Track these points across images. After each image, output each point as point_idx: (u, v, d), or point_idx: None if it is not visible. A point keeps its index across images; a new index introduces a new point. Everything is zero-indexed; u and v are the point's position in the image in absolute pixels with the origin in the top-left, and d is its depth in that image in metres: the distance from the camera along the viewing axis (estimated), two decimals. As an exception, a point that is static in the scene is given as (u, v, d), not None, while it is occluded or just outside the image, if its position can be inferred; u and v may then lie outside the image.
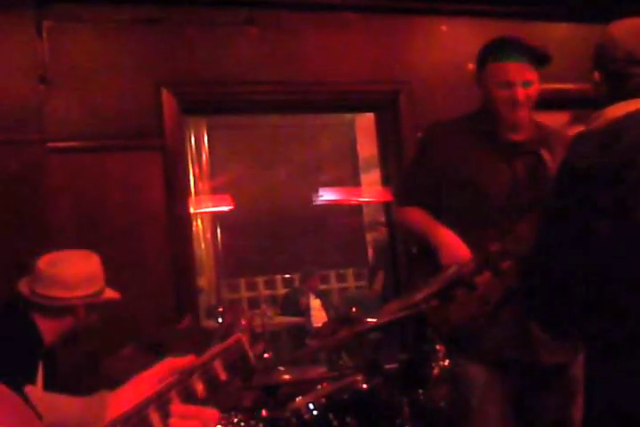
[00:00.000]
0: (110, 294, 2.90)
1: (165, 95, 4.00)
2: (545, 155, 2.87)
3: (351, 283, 10.21)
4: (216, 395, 1.03)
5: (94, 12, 3.99)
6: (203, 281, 8.04)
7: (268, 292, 9.76)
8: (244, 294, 9.66)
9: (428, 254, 2.92)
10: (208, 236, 8.97)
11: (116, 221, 3.89)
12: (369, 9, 4.43)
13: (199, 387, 1.02)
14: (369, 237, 9.19)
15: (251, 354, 1.06)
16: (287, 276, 9.79)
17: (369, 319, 2.64)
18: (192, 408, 1.01)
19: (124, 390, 1.20)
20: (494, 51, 2.91)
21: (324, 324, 3.41)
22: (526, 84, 2.87)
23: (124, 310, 3.79)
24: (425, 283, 2.73)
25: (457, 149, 2.98)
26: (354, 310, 2.46)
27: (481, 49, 2.98)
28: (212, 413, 1.03)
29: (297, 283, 9.38)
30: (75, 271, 2.74)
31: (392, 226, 4.64)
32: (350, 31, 4.42)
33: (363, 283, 10.07)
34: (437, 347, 2.72)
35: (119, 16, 4.03)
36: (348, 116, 8.05)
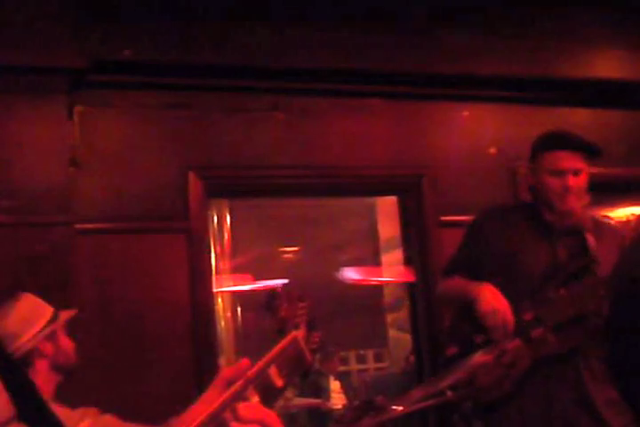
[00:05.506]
0: (65, 315, 2.87)
1: (192, 179, 4.05)
2: (589, 239, 2.96)
3: (371, 364, 10.09)
4: (271, 404, 0.90)
5: (124, 98, 4.09)
6: (222, 360, 7.97)
7: (287, 372, 9.65)
8: (264, 374, 9.53)
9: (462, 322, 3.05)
10: (228, 314, 8.93)
11: (139, 302, 3.89)
12: (393, 95, 4.50)
13: (254, 400, 0.88)
14: (389, 317, 9.13)
15: (308, 353, 0.92)
16: (307, 356, 9.69)
17: (394, 407, 2.60)
18: (251, 412, 0.86)
19: (189, 413, 1.16)
20: (547, 142, 3.03)
21: (347, 410, 3.36)
22: (576, 172, 2.95)
23: (146, 391, 3.77)
24: (450, 369, 2.71)
25: (503, 230, 3.11)
26: (379, 398, 2.44)
27: (534, 141, 3.09)
28: (271, 414, 0.89)
29: (316, 364, 9.28)
30: (5, 324, 2.74)
31: (414, 307, 4.61)
32: (374, 116, 4.49)
33: (383, 364, 9.96)
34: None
35: (148, 101, 4.13)
36: (370, 198, 8.10)
